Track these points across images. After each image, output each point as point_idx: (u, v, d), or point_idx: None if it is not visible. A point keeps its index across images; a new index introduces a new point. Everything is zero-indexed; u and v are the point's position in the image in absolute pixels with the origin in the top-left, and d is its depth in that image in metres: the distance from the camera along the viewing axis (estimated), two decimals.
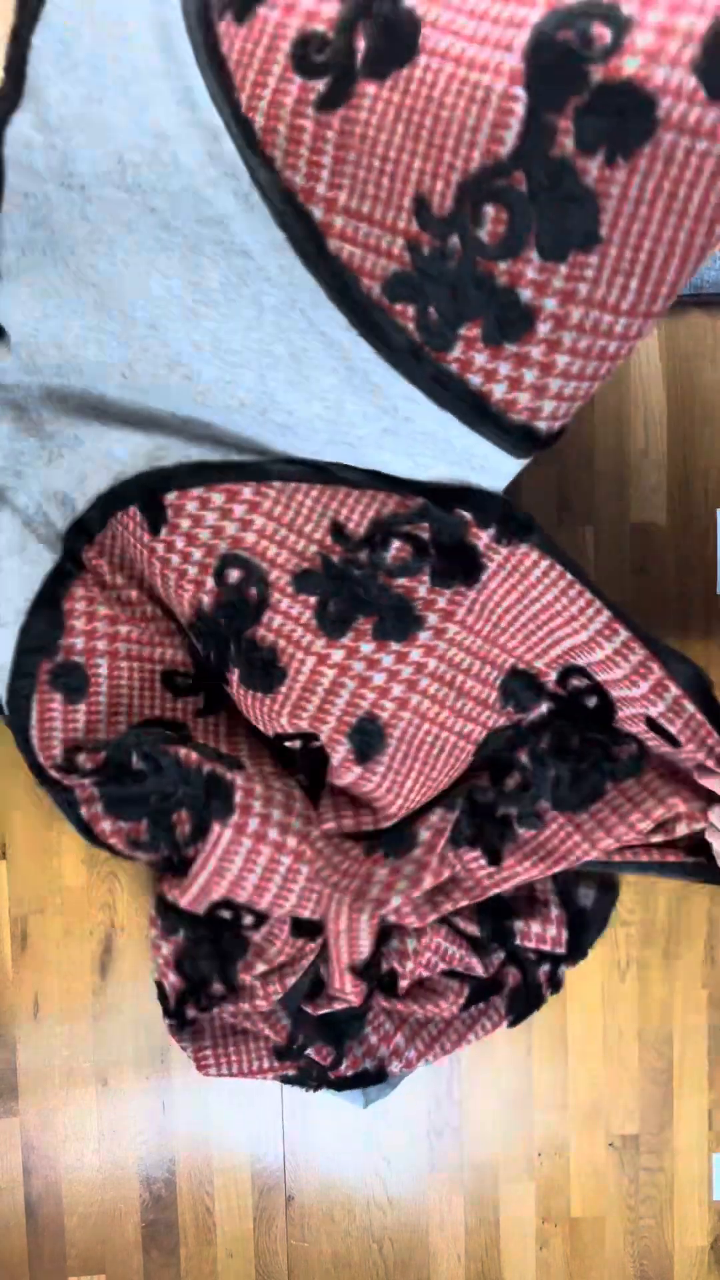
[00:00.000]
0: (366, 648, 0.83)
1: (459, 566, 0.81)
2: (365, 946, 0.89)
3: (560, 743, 0.90)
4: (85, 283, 0.78)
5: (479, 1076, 1.06)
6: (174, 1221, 1.03)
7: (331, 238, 0.72)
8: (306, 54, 0.67)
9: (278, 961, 0.91)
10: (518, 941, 0.95)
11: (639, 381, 1.02)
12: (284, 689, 0.85)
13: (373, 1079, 0.95)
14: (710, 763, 0.83)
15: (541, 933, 0.95)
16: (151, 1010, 1.02)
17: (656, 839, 0.89)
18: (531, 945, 0.95)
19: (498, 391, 0.74)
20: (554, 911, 0.96)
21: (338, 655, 0.83)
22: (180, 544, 0.83)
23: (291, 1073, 0.96)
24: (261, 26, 0.67)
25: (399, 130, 0.67)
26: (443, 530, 0.80)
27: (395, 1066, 0.96)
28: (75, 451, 0.86)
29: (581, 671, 0.87)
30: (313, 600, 0.83)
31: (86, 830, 0.90)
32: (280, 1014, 0.94)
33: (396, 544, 0.81)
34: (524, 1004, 0.98)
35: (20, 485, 0.88)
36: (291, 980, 0.90)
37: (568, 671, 0.87)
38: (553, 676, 0.88)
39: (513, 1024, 0.98)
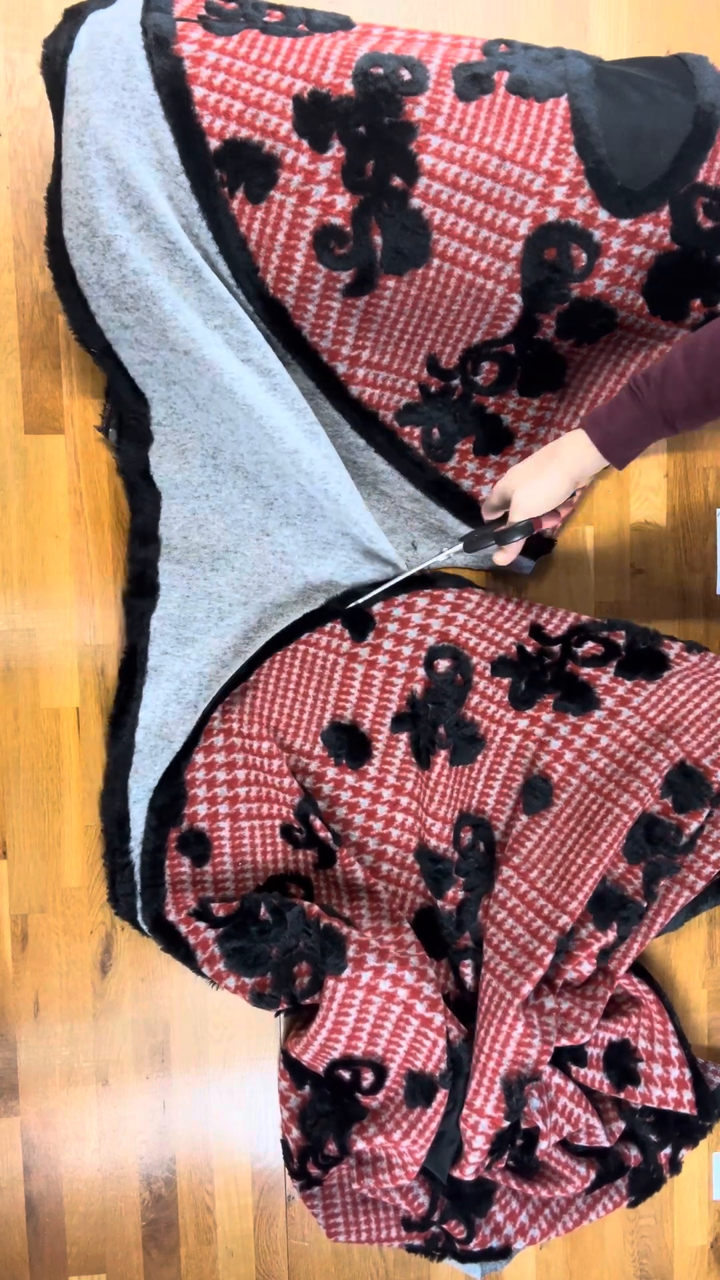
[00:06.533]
0: (547, 717, 0.96)
1: (645, 666, 0.95)
2: (533, 1055, 0.90)
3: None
4: (222, 426, 0.90)
5: None
6: (174, 1221, 1.03)
7: (354, 385, 0.91)
8: (329, 247, 0.81)
9: (391, 1129, 0.92)
10: (638, 1103, 0.96)
11: None
12: (482, 756, 0.98)
13: (497, 1255, 0.97)
14: None
15: (665, 1075, 0.96)
16: (151, 1010, 1.02)
17: None
18: (654, 1104, 0.95)
19: (484, 492, 0.96)
20: (676, 1072, 0.96)
21: (523, 724, 0.96)
22: (389, 645, 0.97)
23: (418, 1242, 0.98)
24: (278, 211, 0.80)
25: (416, 313, 0.87)
26: (639, 639, 0.95)
27: (520, 1245, 0.97)
28: (246, 606, 0.97)
29: None
30: (506, 682, 0.97)
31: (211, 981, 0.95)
32: (418, 1189, 0.96)
33: (590, 644, 0.96)
34: (645, 1186, 0.99)
35: (180, 654, 0.96)
36: (421, 1152, 0.91)
37: None
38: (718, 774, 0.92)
39: (633, 1205, 1.00)
